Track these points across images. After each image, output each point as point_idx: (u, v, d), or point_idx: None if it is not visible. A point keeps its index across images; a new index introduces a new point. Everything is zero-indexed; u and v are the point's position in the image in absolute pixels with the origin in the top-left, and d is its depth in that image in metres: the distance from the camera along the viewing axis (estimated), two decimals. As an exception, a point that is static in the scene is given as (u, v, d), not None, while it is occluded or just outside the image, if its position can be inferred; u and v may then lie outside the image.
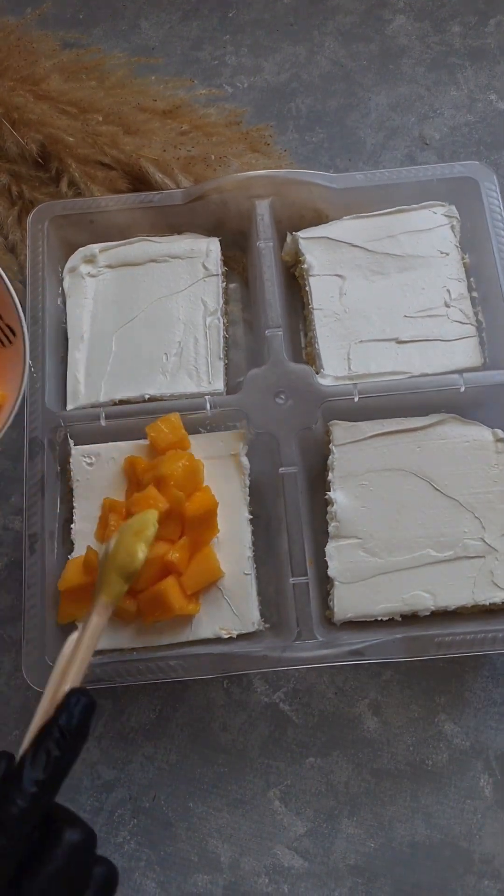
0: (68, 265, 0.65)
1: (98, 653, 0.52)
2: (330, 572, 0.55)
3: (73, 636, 0.44)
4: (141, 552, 0.47)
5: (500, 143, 0.74)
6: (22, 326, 0.53)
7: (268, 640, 0.55)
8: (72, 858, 0.34)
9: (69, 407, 0.61)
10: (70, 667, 0.42)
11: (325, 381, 0.60)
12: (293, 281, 0.68)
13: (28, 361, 0.54)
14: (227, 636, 0.54)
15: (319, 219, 0.67)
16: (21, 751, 0.38)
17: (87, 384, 0.62)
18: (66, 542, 0.58)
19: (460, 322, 0.62)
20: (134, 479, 0.56)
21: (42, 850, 0.34)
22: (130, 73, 0.75)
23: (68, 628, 0.53)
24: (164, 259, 0.65)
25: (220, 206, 0.65)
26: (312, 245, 0.64)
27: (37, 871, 0.34)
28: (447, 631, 0.52)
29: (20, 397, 0.53)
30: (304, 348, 0.66)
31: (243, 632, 0.55)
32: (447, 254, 0.64)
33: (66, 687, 0.40)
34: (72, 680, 0.41)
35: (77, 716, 0.38)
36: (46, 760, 0.36)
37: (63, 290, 0.65)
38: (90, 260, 0.65)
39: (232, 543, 0.56)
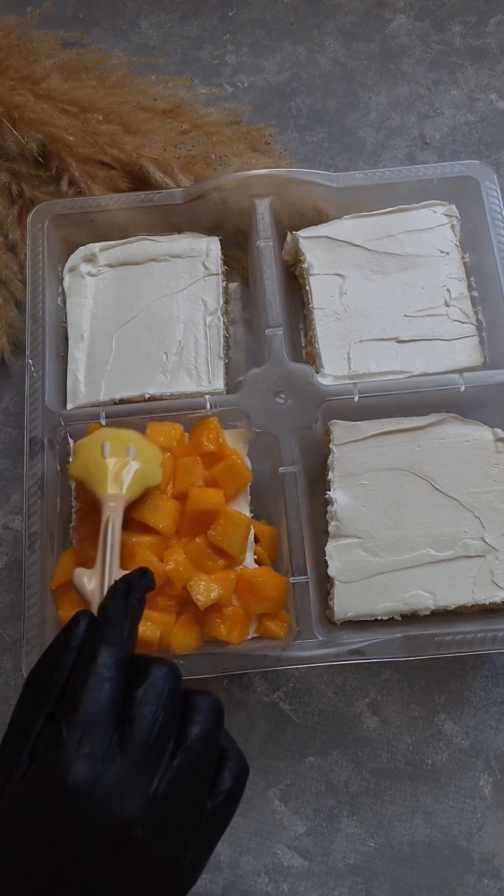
0: (68, 264, 0.65)
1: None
2: (330, 572, 0.55)
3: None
4: (160, 475, 0.53)
5: (500, 143, 0.74)
6: None
7: (267, 639, 0.55)
8: (163, 686, 0.35)
9: (69, 406, 0.61)
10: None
11: (325, 381, 0.60)
12: (293, 280, 0.68)
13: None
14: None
15: (319, 218, 0.67)
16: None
17: (88, 383, 0.62)
18: (65, 542, 0.58)
19: (460, 321, 0.62)
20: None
21: (134, 690, 0.35)
22: (130, 73, 0.75)
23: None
24: (165, 258, 0.65)
25: (221, 205, 0.65)
26: (312, 244, 0.64)
27: (134, 705, 0.35)
28: (447, 630, 0.52)
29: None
30: (304, 348, 0.66)
31: (243, 631, 0.55)
32: (447, 253, 0.64)
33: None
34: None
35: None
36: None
37: (63, 289, 0.65)
38: (90, 259, 0.65)
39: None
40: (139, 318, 0.63)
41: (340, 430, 0.58)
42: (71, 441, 0.59)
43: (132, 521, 0.54)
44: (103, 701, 0.34)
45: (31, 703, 0.35)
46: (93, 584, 0.45)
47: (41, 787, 0.32)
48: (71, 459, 0.55)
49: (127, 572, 0.42)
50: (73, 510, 0.57)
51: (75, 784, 0.32)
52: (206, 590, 0.51)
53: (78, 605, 0.54)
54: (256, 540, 0.56)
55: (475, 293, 0.64)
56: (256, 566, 0.55)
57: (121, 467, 0.52)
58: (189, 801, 0.35)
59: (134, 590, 0.39)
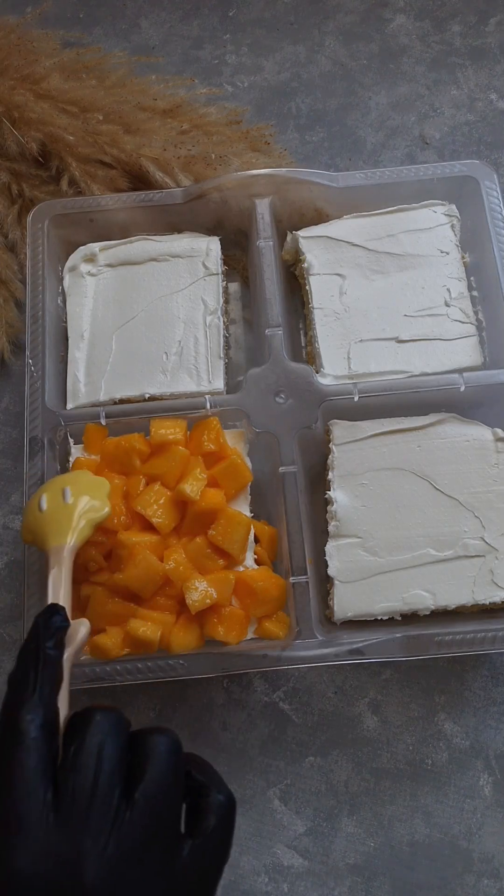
0: (68, 264, 0.65)
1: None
2: (330, 571, 0.55)
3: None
4: (107, 506, 0.50)
5: (500, 143, 0.74)
6: None
7: (267, 639, 0.55)
8: (99, 738, 0.34)
9: (69, 406, 0.61)
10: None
11: (324, 381, 0.60)
12: (293, 280, 0.68)
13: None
14: (227, 635, 0.54)
15: (319, 218, 0.67)
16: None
17: (88, 383, 0.62)
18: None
19: (460, 321, 0.62)
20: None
21: (68, 748, 0.34)
22: (131, 72, 0.75)
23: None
24: (165, 258, 0.65)
25: (221, 204, 0.65)
26: (312, 244, 0.64)
27: (66, 766, 0.33)
28: (447, 630, 0.52)
29: None
30: (304, 347, 0.66)
31: (243, 631, 0.55)
32: (447, 253, 0.64)
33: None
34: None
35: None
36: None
37: (63, 288, 0.65)
38: (90, 259, 0.65)
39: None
40: (139, 317, 0.63)
41: (340, 429, 0.58)
42: (71, 441, 0.59)
43: (134, 519, 0.54)
44: (29, 773, 0.32)
45: None
46: None
47: None
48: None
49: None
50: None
51: (15, 874, 0.30)
52: (201, 596, 0.51)
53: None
54: (256, 540, 0.56)
55: (475, 293, 0.64)
56: (256, 566, 0.55)
57: (59, 514, 0.48)
58: (156, 851, 0.33)
59: (43, 636, 0.37)
